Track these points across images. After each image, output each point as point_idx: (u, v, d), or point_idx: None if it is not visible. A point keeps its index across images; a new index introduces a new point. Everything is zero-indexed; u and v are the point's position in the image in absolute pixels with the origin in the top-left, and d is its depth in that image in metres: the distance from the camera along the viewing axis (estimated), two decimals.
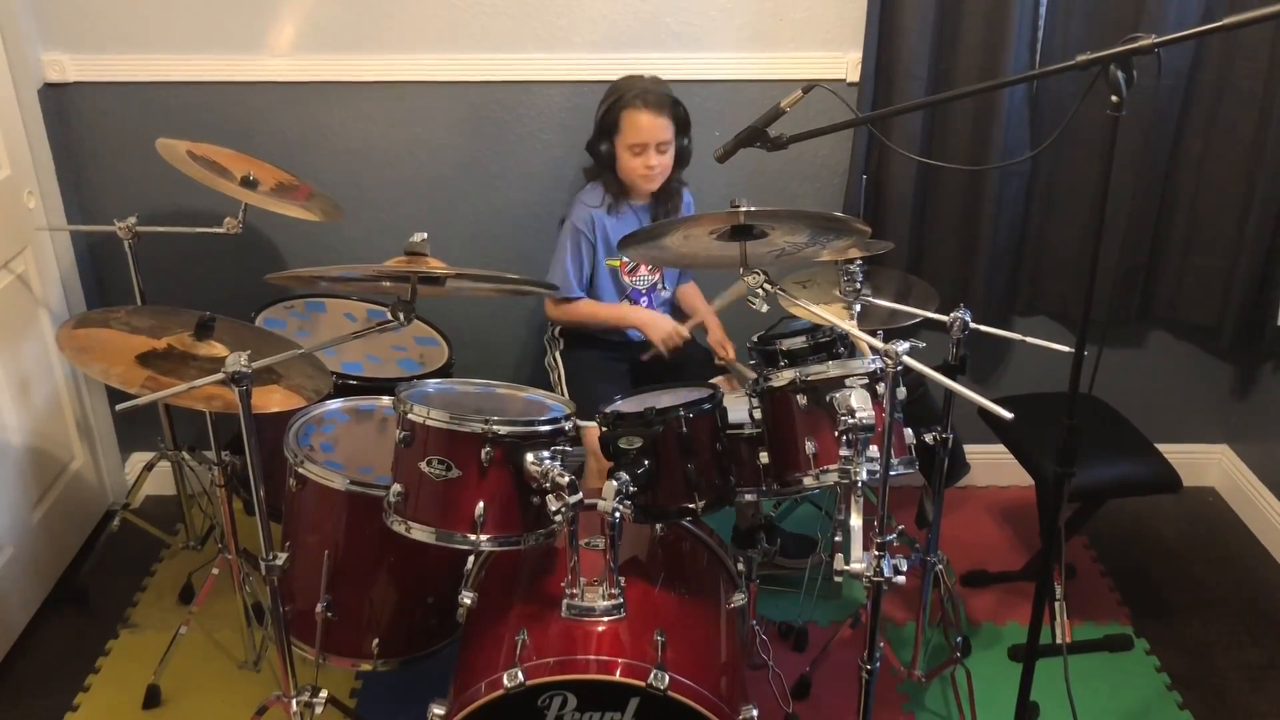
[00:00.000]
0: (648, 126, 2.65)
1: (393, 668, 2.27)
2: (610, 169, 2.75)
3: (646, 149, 2.67)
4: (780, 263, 2.09)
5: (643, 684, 1.83)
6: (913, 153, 2.88)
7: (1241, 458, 3.39)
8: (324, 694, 2.14)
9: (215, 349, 2.13)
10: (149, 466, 3.02)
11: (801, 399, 2.07)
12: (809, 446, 2.07)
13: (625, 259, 2.82)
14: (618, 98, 2.68)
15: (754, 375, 2.21)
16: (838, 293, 2.39)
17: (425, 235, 1.97)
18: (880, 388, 1.98)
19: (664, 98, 2.68)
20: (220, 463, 2.42)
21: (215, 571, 2.60)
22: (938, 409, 2.30)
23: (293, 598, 2.23)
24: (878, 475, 1.80)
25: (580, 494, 1.91)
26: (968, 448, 2.97)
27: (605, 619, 1.95)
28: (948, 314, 2.20)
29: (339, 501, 2.18)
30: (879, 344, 1.78)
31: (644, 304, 2.90)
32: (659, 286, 2.91)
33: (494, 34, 2.92)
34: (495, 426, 1.94)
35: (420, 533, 1.99)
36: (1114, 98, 1.73)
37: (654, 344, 2.78)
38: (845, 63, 2.93)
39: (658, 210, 2.84)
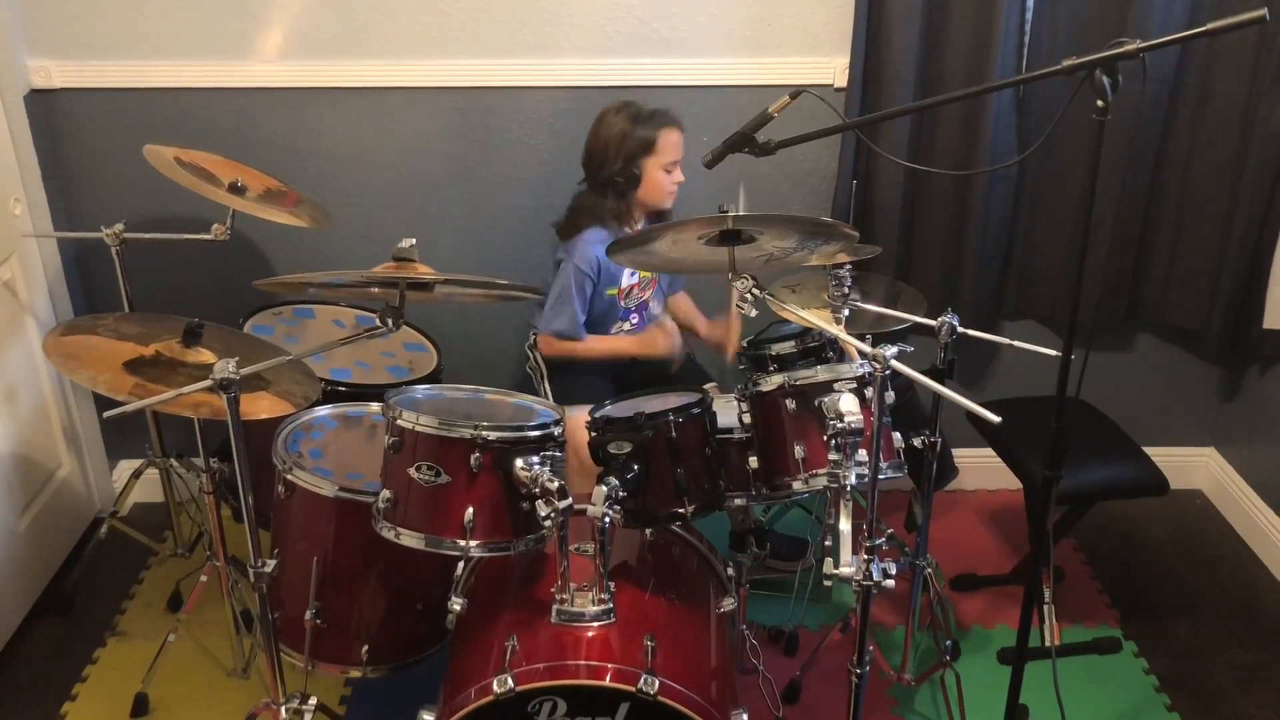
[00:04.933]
0: (679, 144, 2.71)
1: (382, 674, 2.27)
2: (624, 195, 2.72)
3: (677, 165, 2.72)
4: (769, 268, 2.10)
5: (633, 689, 1.83)
6: (900, 157, 2.89)
7: (1228, 460, 3.41)
8: (313, 701, 2.14)
9: (203, 356, 2.13)
10: (137, 474, 3.01)
11: (790, 403, 2.07)
12: (798, 451, 2.07)
13: (623, 286, 2.82)
14: (641, 118, 2.66)
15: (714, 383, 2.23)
16: (826, 297, 2.39)
17: (414, 241, 1.97)
18: (869, 392, 1.99)
19: (678, 113, 2.73)
20: (208, 470, 2.41)
21: (204, 579, 2.59)
22: (926, 413, 2.30)
23: (281, 605, 2.23)
24: (867, 479, 1.81)
25: (570, 499, 1.91)
26: (956, 451, 2.97)
27: (595, 624, 1.95)
28: (936, 318, 2.21)
29: (328, 508, 2.17)
30: (867, 348, 1.78)
31: (634, 320, 2.90)
32: (649, 304, 2.91)
33: (482, 39, 2.92)
34: (484, 432, 1.94)
35: (409, 539, 1.98)
36: (1100, 102, 1.74)
37: (664, 358, 2.81)
38: (833, 68, 2.94)
39: None
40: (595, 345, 2.83)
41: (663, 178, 2.71)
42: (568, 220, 2.82)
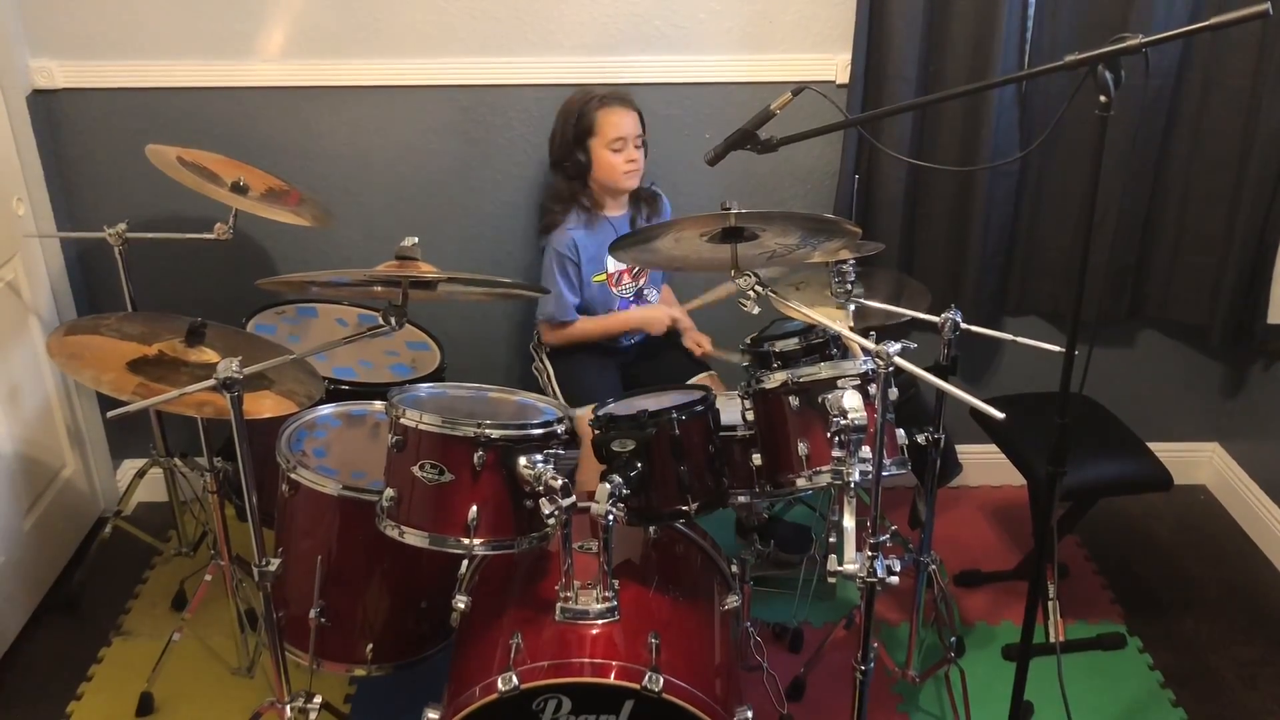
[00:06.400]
0: (624, 122, 2.72)
1: (387, 673, 2.27)
2: (583, 180, 2.77)
3: (626, 144, 2.73)
4: (771, 264, 2.10)
5: (637, 686, 1.83)
6: (903, 154, 2.89)
7: (1232, 455, 3.41)
8: (318, 700, 2.14)
9: (206, 355, 2.13)
10: (141, 473, 3.02)
11: (794, 400, 2.07)
12: (802, 448, 2.07)
13: (611, 271, 2.84)
14: (585, 103, 2.72)
15: (736, 356, 2.23)
16: (829, 294, 2.39)
17: (416, 239, 1.97)
18: (872, 388, 1.99)
19: (628, 94, 2.76)
20: (212, 469, 2.41)
21: (208, 578, 2.59)
22: (930, 409, 2.30)
23: (286, 603, 2.23)
24: (870, 476, 1.81)
25: (573, 497, 1.91)
26: (960, 448, 2.97)
27: (599, 622, 1.95)
28: (939, 314, 2.21)
29: (332, 507, 2.18)
30: (871, 345, 1.78)
31: (633, 309, 2.91)
32: (645, 294, 2.92)
33: (483, 38, 2.92)
34: (488, 430, 1.94)
35: (413, 537, 1.98)
36: (1102, 98, 1.74)
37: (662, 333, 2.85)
38: (835, 65, 2.94)
39: (637, 218, 2.88)
40: (593, 325, 2.86)
41: (611, 158, 2.73)
42: (546, 214, 2.88)
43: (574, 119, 2.73)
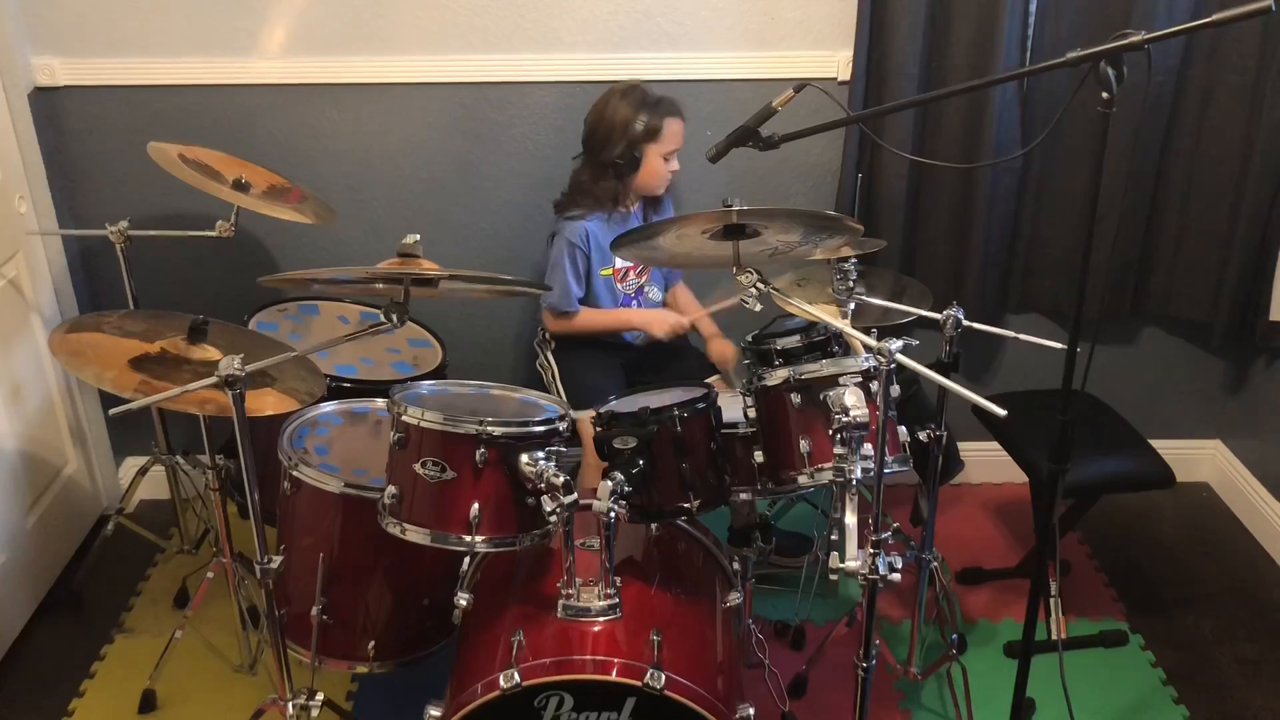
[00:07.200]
0: (679, 133, 2.74)
1: (389, 670, 2.27)
2: (623, 178, 2.74)
3: (675, 154, 2.75)
4: (773, 262, 2.10)
5: (639, 684, 1.83)
6: (905, 151, 2.89)
7: (1235, 453, 3.40)
8: (320, 697, 2.14)
9: (208, 352, 2.13)
10: (143, 471, 3.02)
11: (796, 398, 2.07)
12: (804, 445, 2.06)
13: (617, 266, 2.83)
14: (651, 106, 2.69)
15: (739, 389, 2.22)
16: (831, 291, 2.39)
17: (418, 237, 1.97)
18: (874, 386, 1.99)
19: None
20: (214, 466, 2.41)
21: (210, 575, 2.59)
22: (931, 407, 2.30)
23: (288, 601, 2.23)
24: (872, 473, 1.81)
25: (575, 494, 1.91)
26: (962, 445, 2.97)
27: (601, 619, 1.95)
28: (941, 312, 2.21)
29: (334, 504, 2.18)
30: (872, 342, 1.78)
31: (634, 307, 2.91)
32: (646, 290, 2.91)
33: (486, 35, 2.92)
34: (489, 428, 1.94)
35: (415, 535, 1.98)
36: (1105, 94, 1.74)
37: (657, 338, 2.81)
38: (836, 61, 2.93)
39: (649, 214, 2.88)
40: (597, 317, 2.84)
41: (661, 165, 2.74)
42: (567, 197, 2.84)
43: (635, 118, 2.68)
